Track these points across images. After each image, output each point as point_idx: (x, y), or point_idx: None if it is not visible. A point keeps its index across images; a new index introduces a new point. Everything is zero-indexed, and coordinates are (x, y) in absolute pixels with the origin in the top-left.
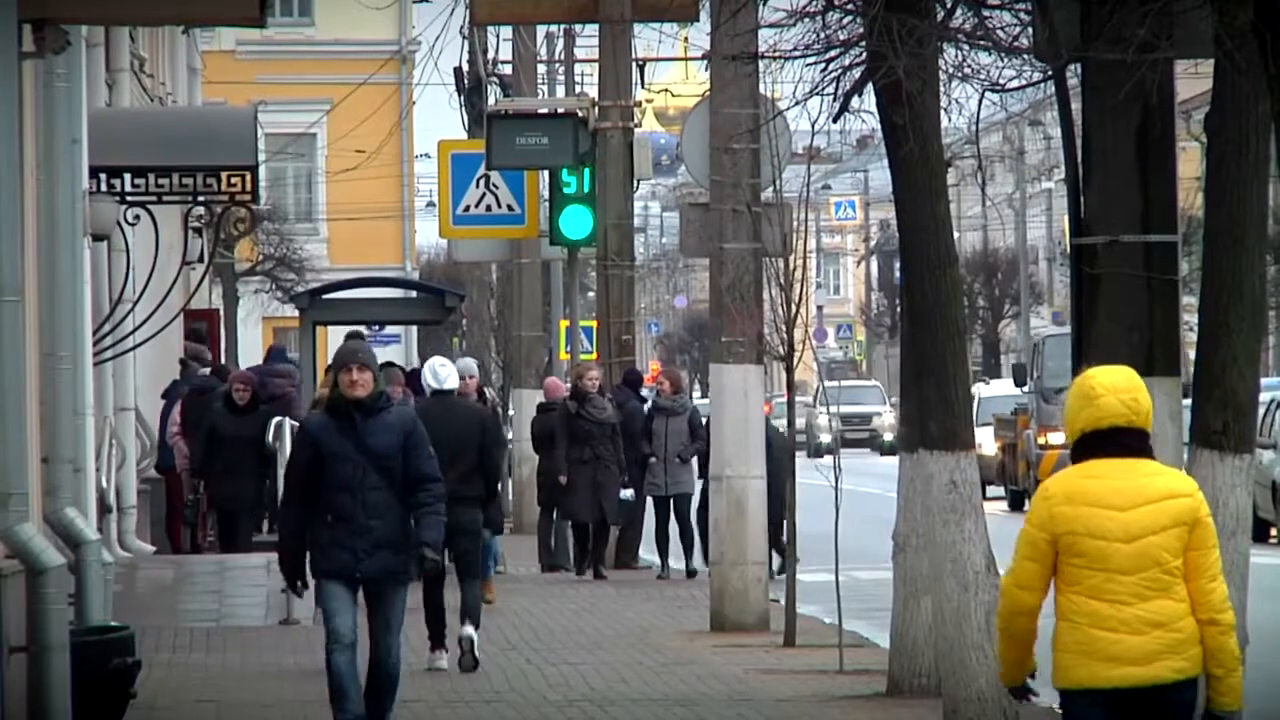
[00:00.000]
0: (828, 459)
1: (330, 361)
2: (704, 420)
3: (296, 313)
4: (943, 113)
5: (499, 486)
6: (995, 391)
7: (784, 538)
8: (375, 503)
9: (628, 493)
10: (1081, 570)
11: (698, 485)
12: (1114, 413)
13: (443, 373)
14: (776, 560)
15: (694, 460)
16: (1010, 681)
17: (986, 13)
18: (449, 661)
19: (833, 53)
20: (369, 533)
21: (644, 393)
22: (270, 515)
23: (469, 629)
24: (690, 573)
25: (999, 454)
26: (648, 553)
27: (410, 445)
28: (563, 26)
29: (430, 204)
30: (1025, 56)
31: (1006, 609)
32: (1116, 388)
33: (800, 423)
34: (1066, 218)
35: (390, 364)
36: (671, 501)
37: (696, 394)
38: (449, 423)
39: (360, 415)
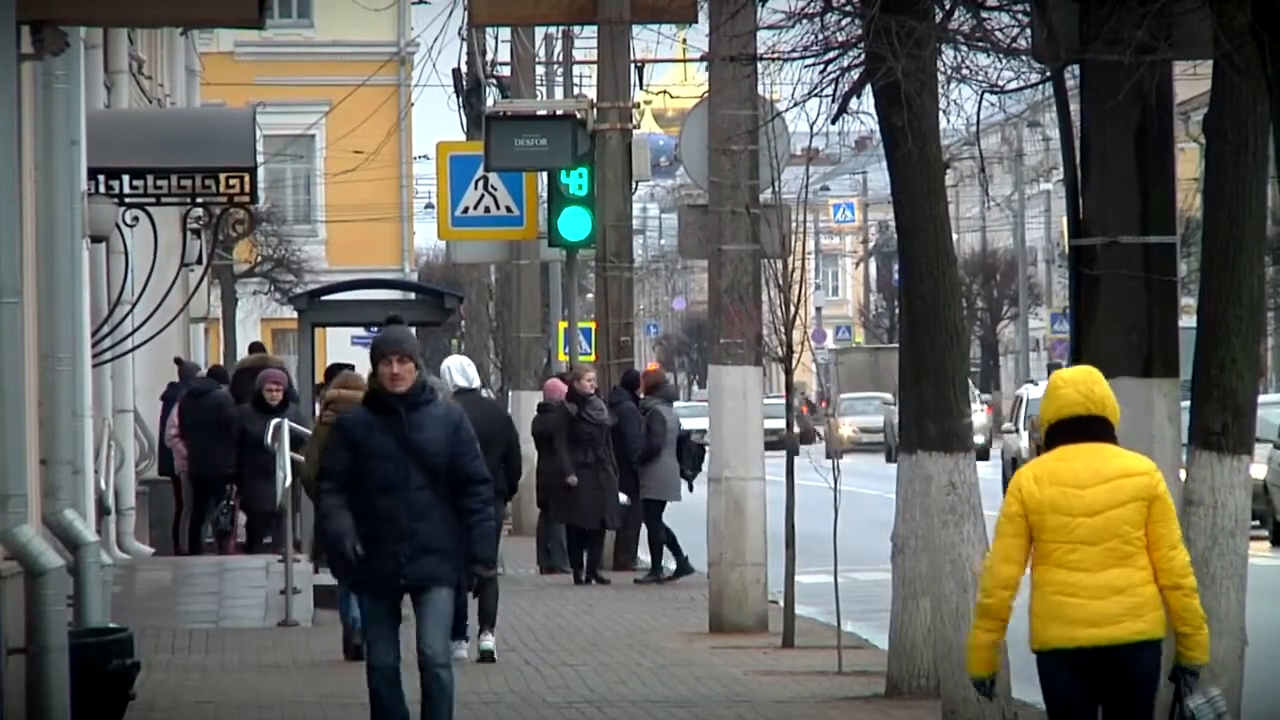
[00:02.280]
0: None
1: (327, 365)
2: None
3: (295, 314)
4: (941, 114)
5: (518, 484)
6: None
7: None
8: (420, 504)
9: (625, 497)
10: (1051, 543)
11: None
12: (1073, 403)
13: (470, 372)
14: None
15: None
16: (978, 670)
17: (985, 14)
18: (468, 651)
19: (831, 54)
20: (413, 536)
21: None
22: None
23: (489, 640)
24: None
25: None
26: (646, 554)
27: (458, 442)
28: (561, 28)
29: (429, 205)
30: (1024, 58)
31: (988, 583)
32: (1074, 381)
33: (878, 420)
34: (1065, 219)
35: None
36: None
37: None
38: (475, 421)
39: (404, 409)
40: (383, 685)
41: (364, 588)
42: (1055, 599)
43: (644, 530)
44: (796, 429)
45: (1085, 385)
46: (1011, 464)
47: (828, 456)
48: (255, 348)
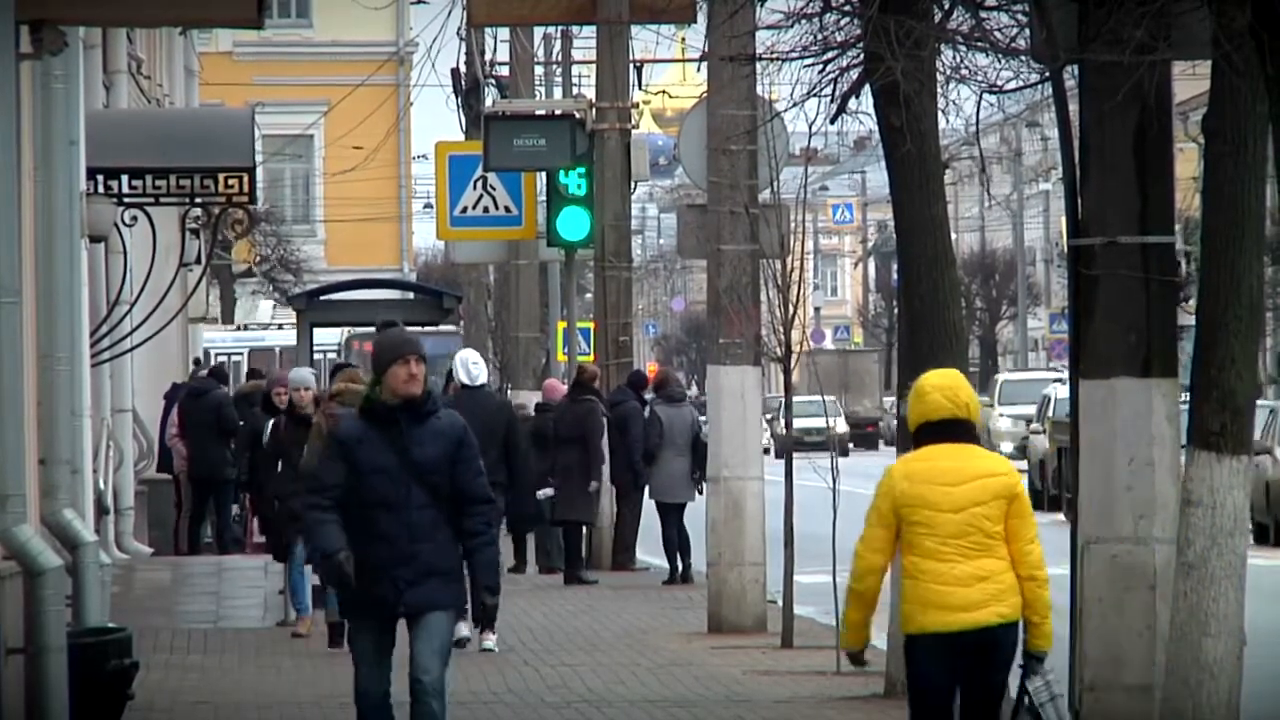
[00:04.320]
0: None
1: (336, 361)
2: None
3: (294, 314)
4: (940, 114)
5: (525, 479)
6: None
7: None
8: (421, 523)
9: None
10: (919, 536)
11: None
12: (939, 407)
13: (475, 369)
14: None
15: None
16: (851, 645)
17: (984, 14)
18: (468, 629)
19: (830, 54)
20: (414, 559)
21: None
22: None
23: (490, 641)
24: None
25: None
26: (645, 554)
27: (460, 459)
28: (560, 28)
29: (428, 205)
30: (1023, 58)
31: (859, 569)
32: (941, 386)
33: (820, 422)
34: (1064, 219)
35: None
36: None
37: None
38: (479, 417)
39: (406, 420)
40: (371, 714)
41: (354, 611)
42: (927, 587)
43: (638, 532)
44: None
45: (951, 390)
46: (1039, 466)
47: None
48: (252, 374)
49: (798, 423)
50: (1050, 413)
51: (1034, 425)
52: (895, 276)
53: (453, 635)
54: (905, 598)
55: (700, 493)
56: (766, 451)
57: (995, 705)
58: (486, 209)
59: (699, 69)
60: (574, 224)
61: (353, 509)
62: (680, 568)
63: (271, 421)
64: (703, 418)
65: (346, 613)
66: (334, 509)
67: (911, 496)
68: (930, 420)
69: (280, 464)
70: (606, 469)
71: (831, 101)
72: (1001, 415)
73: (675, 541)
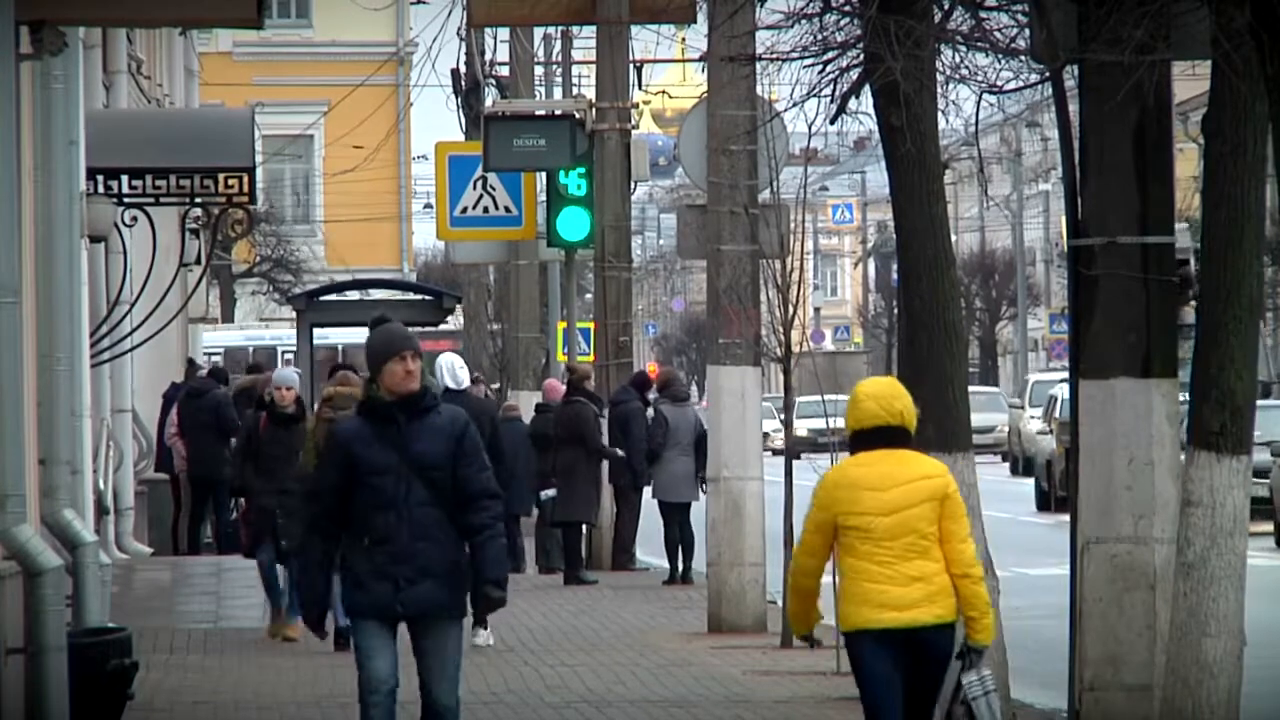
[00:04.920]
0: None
1: (333, 362)
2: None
3: (293, 314)
4: (940, 114)
5: (513, 482)
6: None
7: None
8: (423, 522)
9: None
10: (854, 539)
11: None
12: (873, 414)
13: (459, 374)
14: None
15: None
16: (801, 630)
17: (984, 14)
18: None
19: (830, 54)
20: (414, 558)
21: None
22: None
23: (481, 637)
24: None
25: None
26: (645, 554)
27: (462, 453)
28: (560, 28)
29: (427, 206)
30: (1023, 58)
31: (795, 571)
32: (876, 395)
33: (1000, 419)
34: (1064, 219)
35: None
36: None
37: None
38: None
39: (405, 417)
40: (379, 706)
41: (355, 611)
42: (862, 586)
43: (637, 532)
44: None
45: (885, 399)
46: (1046, 466)
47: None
48: (253, 369)
49: (813, 424)
50: (1057, 413)
51: (1041, 426)
52: (895, 277)
53: (460, 647)
54: (842, 597)
55: (705, 491)
56: (779, 453)
57: (933, 702)
58: (486, 209)
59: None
60: (574, 224)
61: (353, 509)
62: (681, 568)
63: (253, 417)
64: None
65: (349, 612)
66: (324, 529)
67: (845, 501)
68: (864, 427)
69: (256, 461)
70: (605, 468)
71: (831, 102)
72: (1033, 419)
73: (677, 541)
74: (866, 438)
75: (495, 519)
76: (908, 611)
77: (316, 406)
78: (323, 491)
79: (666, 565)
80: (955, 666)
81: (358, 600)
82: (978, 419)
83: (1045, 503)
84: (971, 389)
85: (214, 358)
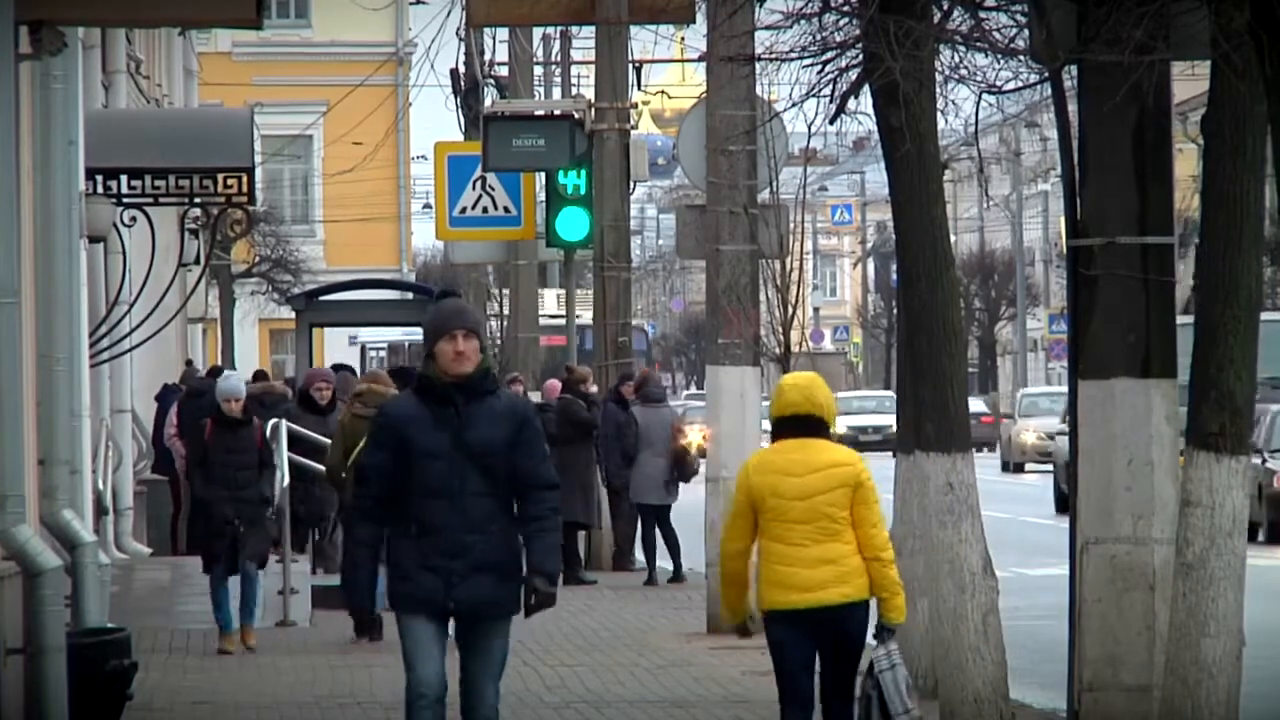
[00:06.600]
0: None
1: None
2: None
3: (293, 314)
4: (939, 114)
5: None
6: None
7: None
8: (476, 513)
9: None
10: (770, 522)
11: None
12: (793, 403)
13: None
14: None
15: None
16: (734, 620)
17: (983, 14)
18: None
19: (829, 54)
20: (467, 551)
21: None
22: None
23: None
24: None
25: None
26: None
27: (522, 441)
28: (559, 28)
29: (427, 206)
30: (1022, 58)
31: (722, 555)
32: (798, 386)
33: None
34: (1063, 219)
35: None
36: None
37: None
38: None
39: (462, 399)
40: (426, 713)
41: (402, 606)
42: (776, 568)
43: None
44: None
45: (807, 390)
46: (1062, 469)
47: None
48: (259, 376)
49: (854, 420)
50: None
51: (1057, 428)
52: (894, 277)
53: (507, 647)
54: (759, 578)
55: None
56: None
57: (850, 677)
58: (486, 209)
59: (698, 69)
60: (573, 224)
61: (402, 496)
62: (673, 569)
63: (199, 425)
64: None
65: (395, 606)
66: (375, 515)
67: (763, 486)
68: (785, 415)
69: (205, 469)
70: (599, 470)
71: (831, 102)
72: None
73: (652, 542)
74: (787, 425)
75: (553, 510)
76: (814, 593)
77: (348, 401)
78: (371, 475)
79: (669, 567)
80: (872, 645)
81: (404, 593)
82: (873, 420)
83: (1060, 505)
84: (866, 393)
85: (380, 352)
